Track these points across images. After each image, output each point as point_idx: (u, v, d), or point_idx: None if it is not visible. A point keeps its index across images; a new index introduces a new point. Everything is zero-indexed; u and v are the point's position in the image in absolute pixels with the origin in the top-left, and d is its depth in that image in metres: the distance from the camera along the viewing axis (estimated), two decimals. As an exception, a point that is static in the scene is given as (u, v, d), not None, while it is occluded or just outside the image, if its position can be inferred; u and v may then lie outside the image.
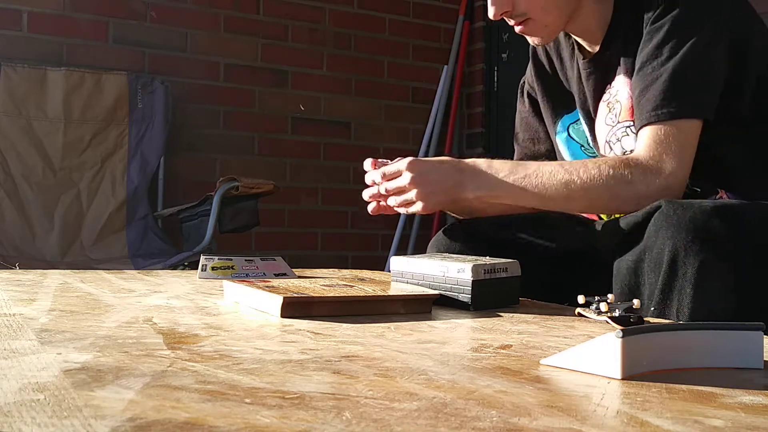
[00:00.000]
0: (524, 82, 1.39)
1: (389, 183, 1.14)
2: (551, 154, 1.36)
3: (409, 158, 1.13)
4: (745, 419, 0.44)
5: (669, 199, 0.99)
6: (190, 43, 3.14)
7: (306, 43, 3.38)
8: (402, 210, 1.16)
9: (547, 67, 1.34)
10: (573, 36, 1.25)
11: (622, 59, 1.16)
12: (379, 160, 1.19)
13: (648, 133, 1.07)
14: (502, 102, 3.56)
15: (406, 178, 1.11)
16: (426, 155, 3.55)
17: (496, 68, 3.63)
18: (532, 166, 1.10)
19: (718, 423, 0.43)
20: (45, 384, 0.45)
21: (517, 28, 1.18)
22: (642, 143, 1.08)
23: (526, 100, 1.38)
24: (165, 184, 2.95)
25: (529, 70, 1.37)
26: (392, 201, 1.14)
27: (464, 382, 0.51)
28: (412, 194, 1.11)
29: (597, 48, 1.20)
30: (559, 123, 1.31)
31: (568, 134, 1.31)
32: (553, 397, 0.48)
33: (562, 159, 1.32)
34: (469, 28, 3.67)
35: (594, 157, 1.25)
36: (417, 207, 1.13)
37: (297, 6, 3.35)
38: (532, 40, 1.22)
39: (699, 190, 1.13)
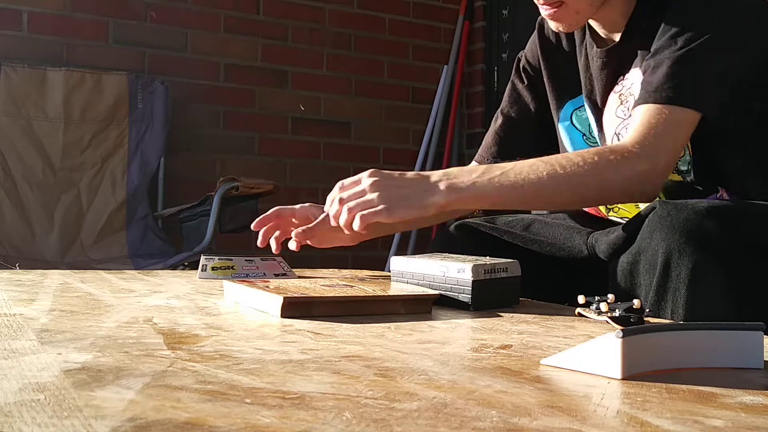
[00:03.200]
0: (521, 58, 1.34)
1: (347, 191, 1.01)
2: (537, 135, 1.33)
3: (370, 170, 1.02)
4: (745, 419, 0.44)
5: (653, 186, 1.02)
6: (190, 43, 3.14)
7: (306, 43, 3.38)
8: (356, 224, 0.98)
9: (554, 42, 1.30)
10: (591, 24, 1.23)
11: (639, 52, 1.15)
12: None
13: (642, 112, 1.05)
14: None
15: (366, 183, 1.00)
16: (426, 155, 3.55)
17: (496, 68, 3.62)
18: (509, 164, 1.05)
19: (718, 423, 0.43)
20: (45, 384, 0.45)
21: (549, 12, 1.15)
22: (634, 124, 1.06)
23: (523, 76, 1.34)
24: (165, 184, 2.95)
25: (532, 46, 1.33)
26: (350, 204, 0.99)
27: (464, 382, 0.51)
28: (373, 196, 0.98)
29: (616, 38, 1.19)
30: (562, 110, 1.29)
31: (571, 122, 1.29)
32: (553, 397, 0.48)
33: (563, 147, 1.30)
34: (469, 28, 3.67)
35: (596, 146, 1.24)
36: (380, 211, 0.97)
37: (297, 6, 3.35)
38: (557, 26, 1.18)
39: (701, 188, 1.12)
